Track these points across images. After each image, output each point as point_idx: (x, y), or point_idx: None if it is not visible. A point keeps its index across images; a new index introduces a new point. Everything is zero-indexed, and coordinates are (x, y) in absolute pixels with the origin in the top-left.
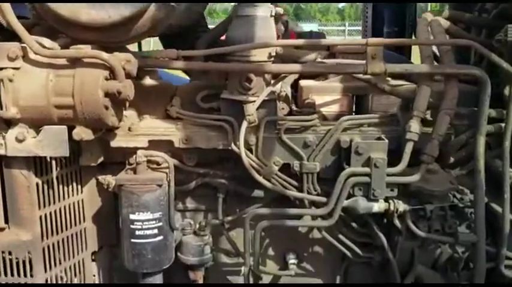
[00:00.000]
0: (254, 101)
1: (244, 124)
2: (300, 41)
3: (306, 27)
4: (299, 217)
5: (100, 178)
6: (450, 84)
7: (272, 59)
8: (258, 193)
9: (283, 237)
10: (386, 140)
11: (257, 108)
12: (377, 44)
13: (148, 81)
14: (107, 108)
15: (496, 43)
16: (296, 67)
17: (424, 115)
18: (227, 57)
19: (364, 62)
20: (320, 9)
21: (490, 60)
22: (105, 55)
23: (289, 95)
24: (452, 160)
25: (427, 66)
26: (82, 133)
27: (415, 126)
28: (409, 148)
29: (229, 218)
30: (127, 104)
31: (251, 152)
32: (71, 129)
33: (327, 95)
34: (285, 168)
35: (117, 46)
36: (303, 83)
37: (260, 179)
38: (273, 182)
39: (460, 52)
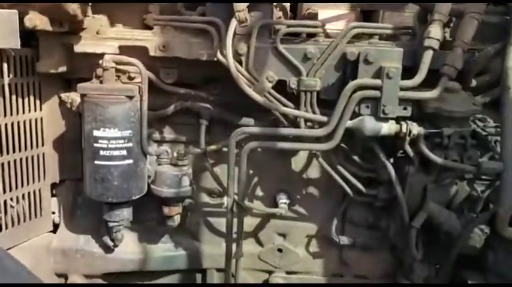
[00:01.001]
0: None
1: (233, 24)
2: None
3: None
4: (294, 141)
5: (63, 95)
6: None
7: None
8: (248, 120)
9: (274, 175)
10: (401, 48)
11: (249, 11)
12: None
13: None
14: None
15: None
16: None
17: (446, 19)
18: None
19: None
20: None
21: None
22: None
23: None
24: (474, 83)
25: None
26: (36, 20)
27: (435, 31)
28: (427, 57)
29: (213, 147)
30: None
31: (240, 65)
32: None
33: (331, 8)
34: (281, 86)
35: None
36: None
37: (251, 93)
38: (265, 100)
39: None
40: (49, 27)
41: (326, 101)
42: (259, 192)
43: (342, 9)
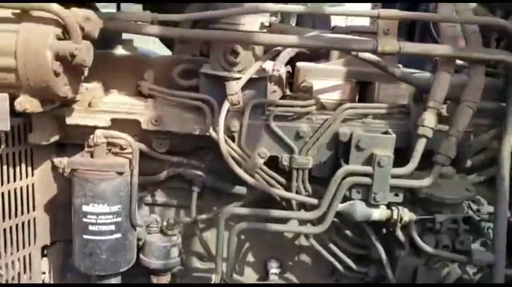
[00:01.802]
0: (239, 79)
1: (226, 105)
2: (300, 7)
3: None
4: (284, 220)
5: (56, 160)
6: (476, 71)
7: (265, 30)
8: (240, 189)
9: (266, 242)
10: (393, 135)
11: (242, 89)
12: (391, 17)
13: (120, 50)
14: (57, 74)
15: None
16: (292, 39)
17: (441, 107)
18: (211, 25)
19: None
20: None
21: None
22: (56, 7)
23: (284, 76)
24: (469, 163)
25: (449, 48)
26: (26, 103)
27: (429, 119)
28: (421, 145)
29: (204, 216)
30: (85, 72)
31: (233, 141)
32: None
33: (326, 79)
34: (272, 162)
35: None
36: (300, 64)
37: (241, 172)
38: (256, 177)
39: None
40: (40, 109)
41: (318, 178)
42: (250, 258)
43: (337, 80)
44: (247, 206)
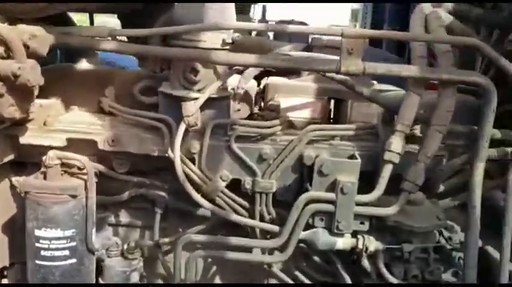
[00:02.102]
0: (196, 99)
1: (182, 127)
2: (261, 25)
3: None
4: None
5: (14, 179)
6: (446, 93)
7: (227, 46)
8: (204, 211)
9: (231, 267)
10: (359, 159)
11: (203, 108)
12: (355, 36)
13: (83, 65)
14: (0, 95)
15: (509, 45)
16: (250, 59)
17: (409, 130)
18: (172, 41)
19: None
20: None
21: (499, 67)
22: None
23: (253, 93)
24: (441, 188)
25: (417, 69)
26: None
27: (396, 144)
28: (387, 171)
29: (166, 239)
30: (35, 91)
31: (194, 162)
32: None
33: (297, 96)
34: (236, 184)
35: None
36: (270, 80)
37: (197, 197)
38: (218, 201)
39: (464, 56)
40: None
41: (283, 202)
42: (217, 281)
43: (308, 97)
44: (212, 229)
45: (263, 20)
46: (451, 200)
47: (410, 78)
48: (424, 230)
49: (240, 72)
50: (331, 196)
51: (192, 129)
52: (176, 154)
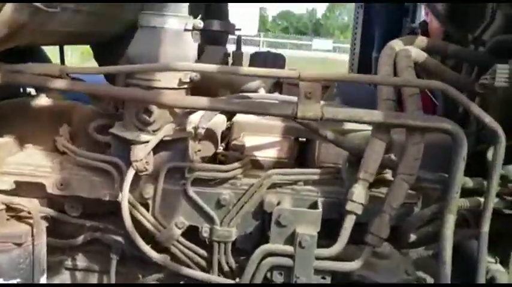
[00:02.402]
0: (147, 142)
1: (131, 172)
2: (213, 67)
3: (320, 43)
4: None
5: None
6: (413, 139)
7: (185, 85)
8: (164, 257)
9: None
10: (320, 209)
11: (158, 150)
12: (313, 79)
13: (42, 99)
14: None
15: (479, 88)
16: (201, 102)
17: (372, 179)
18: (127, 80)
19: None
20: (340, 27)
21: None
22: None
23: (219, 130)
24: (413, 237)
25: (381, 114)
26: None
27: (359, 193)
28: (349, 222)
29: None
30: None
31: (147, 208)
32: None
33: (263, 135)
34: (193, 232)
35: None
36: (236, 118)
37: (146, 248)
38: (173, 250)
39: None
40: None
41: (244, 250)
42: None
43: (275, 136)
44: (170, 277)
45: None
46: (425, 250)
47: (373, 124)
48: None
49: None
50: (289, 249)
51: (142, 175)
52: (124, 201)
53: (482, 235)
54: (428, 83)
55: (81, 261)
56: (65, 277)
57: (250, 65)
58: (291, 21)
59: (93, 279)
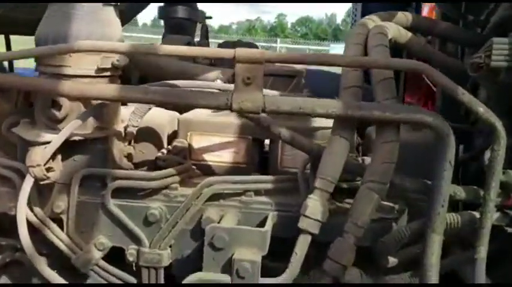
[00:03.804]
0: (48, 142)
1: (28, 180)
2: (125, 46)
3: (338, 48)
4: None
5: None
6: (383, 136)
7: (107, 73)
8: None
9: None
10: (266, 228)
11: (73, 153)
12: (252, 59)
13: None
14: None
15: (471, 70)
16: (108, 90)
17: (332, 188)
18: (39, 67)
19: None
20: None
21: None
22: None
23: (165, 130)
24: (393, 262)
25: (339, 105)
26: None
27: (314, 207)
28: (303, 244)
29: None
30: None
31: (61, 226)
32: None
33: (215, 135)
34: (118, 254)
35: None
36: (182, 116)
37: (49, 273)
38: (93, 277)
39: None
40: None
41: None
42: None
43: (229, 136)
44: None
45: (203, 40)
46: (410, 276)
47: (334, 118)
48: None
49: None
50: (226, 278)
51: (43, 183)
52: (20, 214)
53: (478, 262)
54: (402, 63)
55: None
56: None
57: None
58: (310, 27)
59: None
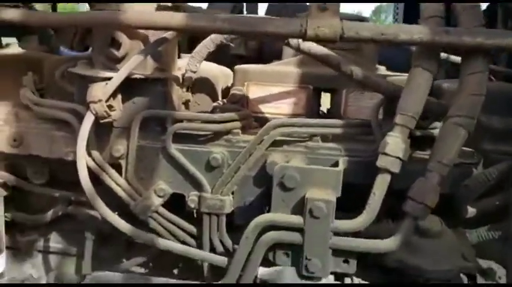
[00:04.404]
0: (108, 79)
1: (89, 119)
2: None
3: None
4: None
5: None
6: (471, 67)
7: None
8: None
9: None
10: (341, 167)
11: (131, 94)
12: None
13: (9, 50)
14: None
15: None
16: (173, 19)
17: (414, 125)
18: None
19: None
20: None
21: None
22: None
23: (220, 82)
24: (472, 212)
25: (425, 30)
26: None
27: (394, 144)
28: (381, 184)
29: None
30: None
31: (119, 171)
32: None
33: (273, 85)
34: (178, 201)
35: None
36: (239, 66)
37: (114, 218)
38: (152, 224)
39: None
40: None
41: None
42: None
43: (288, 86)
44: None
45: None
46: (488, 230)
47: (417, 48)
48: (441, 275)
49: None
50: (297, 220)
51: (103, 121)
52: (80, 157)
53: None
54: None
55: (54, 242)
56: (36, 261)
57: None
58: None
59: (71, 264)
